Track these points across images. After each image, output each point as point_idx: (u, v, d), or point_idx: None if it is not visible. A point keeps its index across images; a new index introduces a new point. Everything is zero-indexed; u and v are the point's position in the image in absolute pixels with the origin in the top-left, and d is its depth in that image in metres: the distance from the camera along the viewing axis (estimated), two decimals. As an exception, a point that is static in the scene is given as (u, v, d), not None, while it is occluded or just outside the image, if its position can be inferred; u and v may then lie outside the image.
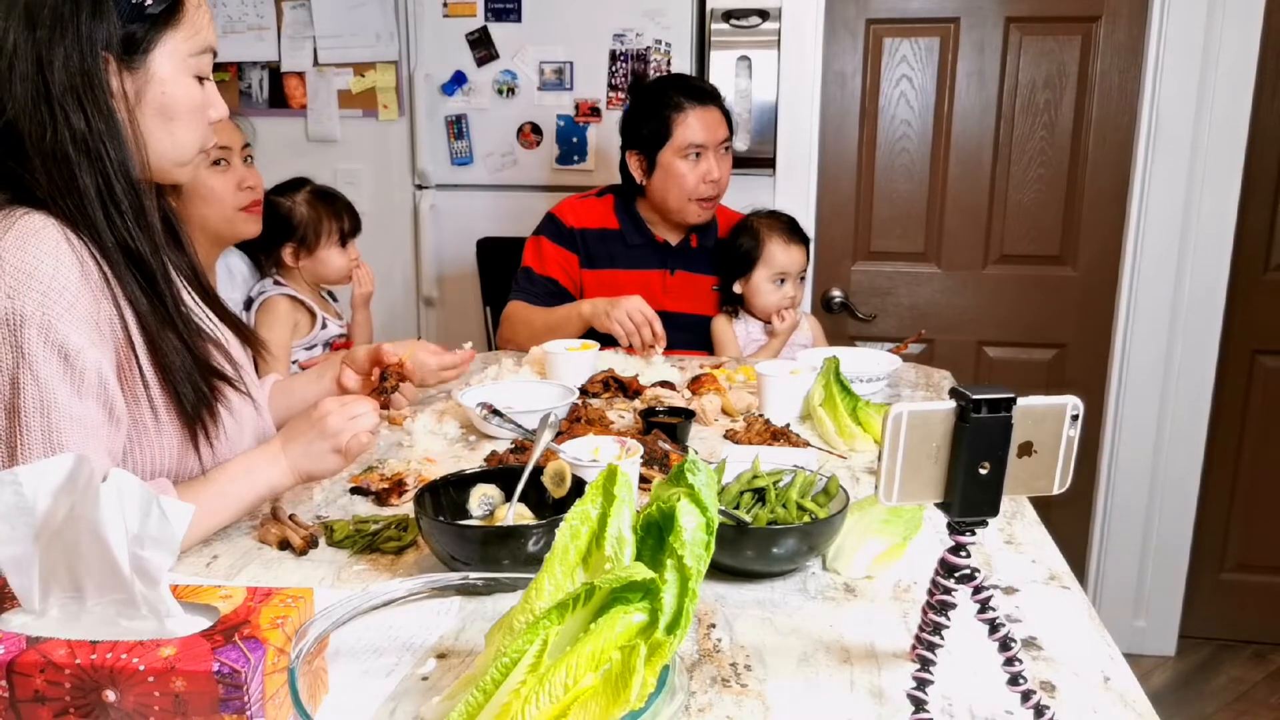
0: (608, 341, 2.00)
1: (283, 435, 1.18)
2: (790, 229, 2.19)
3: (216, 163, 1.87)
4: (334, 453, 1.15)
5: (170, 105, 1.10)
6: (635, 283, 2.19)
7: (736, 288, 2.19)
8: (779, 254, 2.15)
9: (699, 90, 2.18)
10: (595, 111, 2.65)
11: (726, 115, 2.20)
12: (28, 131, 1.03)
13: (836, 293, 2.71)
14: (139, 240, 1.08)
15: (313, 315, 2.15)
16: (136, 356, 1.07)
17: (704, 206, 2.19)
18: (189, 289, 1.21)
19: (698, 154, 2.14)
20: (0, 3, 1.04)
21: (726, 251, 2.21)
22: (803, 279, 2.21)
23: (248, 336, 1.31)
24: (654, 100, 2.18)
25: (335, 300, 2.29)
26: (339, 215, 2.16)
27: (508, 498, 1.12)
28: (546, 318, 2.15)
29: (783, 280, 2.16)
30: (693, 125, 2.14)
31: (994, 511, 0.75)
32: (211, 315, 1.24)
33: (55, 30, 1.03)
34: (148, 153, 1.10)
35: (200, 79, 1.13)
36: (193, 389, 1.11)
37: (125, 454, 1.08)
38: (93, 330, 1.02)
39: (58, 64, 1.03)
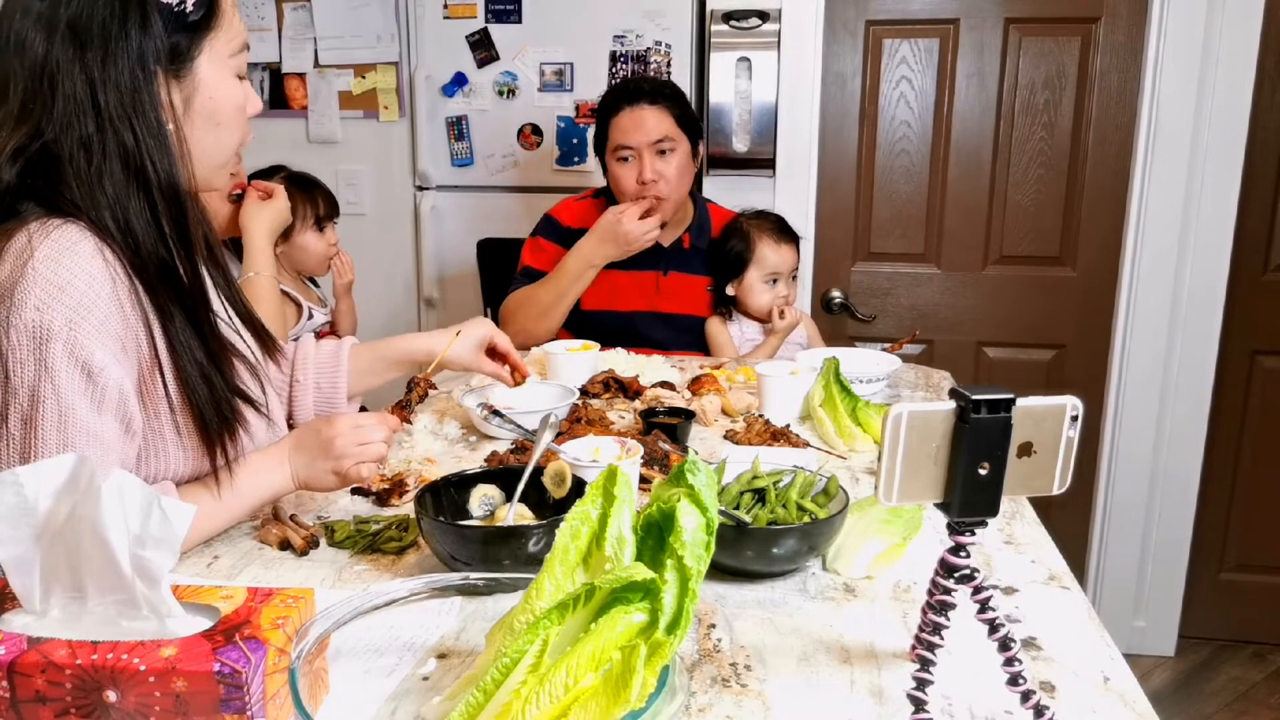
0: (608, 342, 2.00)
1: (292, 441, 1.17)
2: (779, 228, 2.18)
3: None
4: (334, 474, 1.14)
5: (217, 109, 1.09)
6: (629, 283, 2.19)
7: (730, 290, 2.18)
8: (770, 254, 2.14)
9: (632, 91, 2.13)
10: (595, 113, 2.65)
11: (677, 112, 2.12)
12: (69, 152, 1.00)
13: (836, 293, 2.72)
14: (178, 259, 1.06)
15: (299, 306, 2.15)
16: (162, 374, 1.05)
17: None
18: (221, 298, 1.19)
19: (628, 156, 2.10)
20: (36, 21, 1.00)
21: (718, 254, 2.20)
22: (794, 278, 2.21)
23: (269, 348, 1.29)
24: (601, 102, 2.18)
25: (318, 287, 2.30)
26: (314, 199, 2.16)
27: (508, 498, 1.12)
28: (549, 287, 2.12)
29: (775, 280, 2.16)
30: (621, 126, 2.10)
31: (993, 512, 0.75)
32: (240, 328, 1.22)
33: (105, 49, 1.00)
34: (193, 161, 1.07)
35: (239, 77, 1.11)
36: (216, 413, 1.09)
37: (140, 460, 1.07)
38: (118, 348, 1.00)
39: (110, 83, 1.00)
